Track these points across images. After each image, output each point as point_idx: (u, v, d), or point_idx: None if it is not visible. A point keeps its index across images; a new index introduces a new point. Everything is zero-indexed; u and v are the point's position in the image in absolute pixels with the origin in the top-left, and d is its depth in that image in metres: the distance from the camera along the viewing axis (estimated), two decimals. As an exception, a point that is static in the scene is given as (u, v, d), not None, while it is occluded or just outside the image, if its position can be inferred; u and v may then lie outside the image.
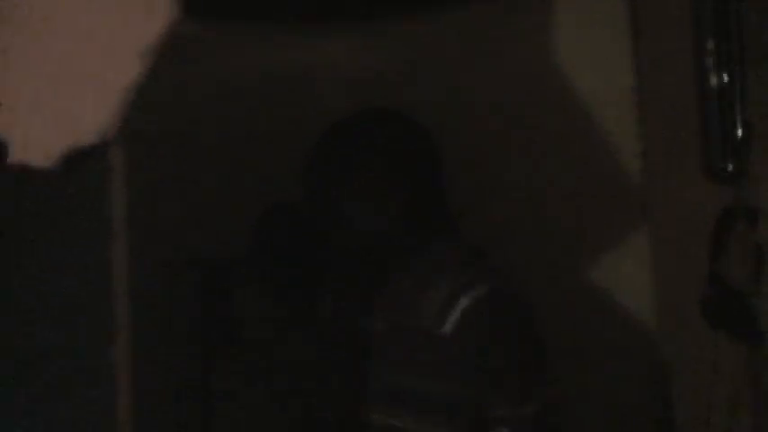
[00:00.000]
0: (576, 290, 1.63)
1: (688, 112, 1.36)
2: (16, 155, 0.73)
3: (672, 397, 1.56)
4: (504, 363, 1.20)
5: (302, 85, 1.54)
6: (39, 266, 0.73)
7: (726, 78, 1.21)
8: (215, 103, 1.37)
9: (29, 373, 0.75)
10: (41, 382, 0.74)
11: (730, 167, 1.21)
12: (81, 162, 0.71)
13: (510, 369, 1.20)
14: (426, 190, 1.36)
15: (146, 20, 0.72)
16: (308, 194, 1.38)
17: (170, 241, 1.34)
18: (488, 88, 1.65)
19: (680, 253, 1.46)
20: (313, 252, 1.36)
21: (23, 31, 0.75)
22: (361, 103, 1.44)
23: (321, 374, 1.37)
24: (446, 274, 1.25)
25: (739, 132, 1.20)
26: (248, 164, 1.42)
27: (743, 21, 1.17)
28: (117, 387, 0.69)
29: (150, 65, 0.68)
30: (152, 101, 0.70)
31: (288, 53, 1.55)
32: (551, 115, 1.64)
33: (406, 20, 1.57)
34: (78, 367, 0.71)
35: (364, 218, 1.33)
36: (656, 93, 1.56)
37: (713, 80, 1.23)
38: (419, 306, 1.23)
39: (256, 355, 1.43)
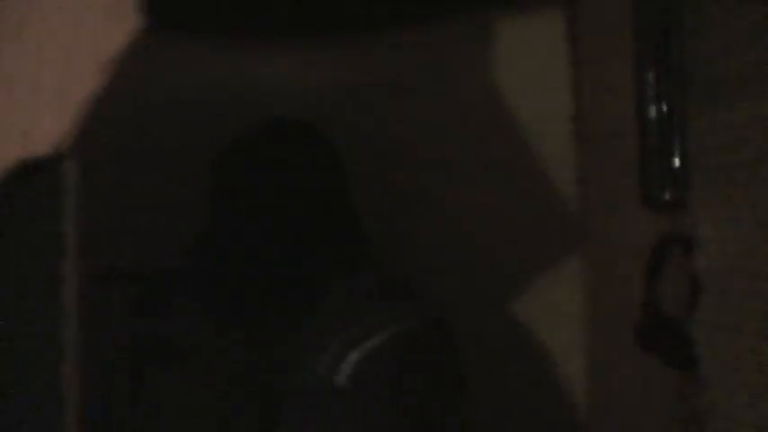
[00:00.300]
0: (507, 316, 1.65)
1: (628, 143, 1.39)
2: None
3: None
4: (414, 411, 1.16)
5: (256, 98, 1.53)
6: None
7: (666, 110, 1.24)
8: (170, 113, 1.34)
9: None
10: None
11: (668, 197, 1.23)
12: (31, 175, 0.67)
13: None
14: (336, 211, 1.33)
15: (105, 28, 0.69)
16: (211, 215, 1.34)
17: (123, 256, 1.31)
18: (429, 113, 1.66)
19: (614, 280, 1.48)
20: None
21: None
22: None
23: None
24: (344, 320, 1.20)
25: (677, 162, 1.22)
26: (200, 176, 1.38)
27: (685, 54, 1.20)
28: (65, 404, 0.65)
29: (109, 76, 0.65)
30: (109, 113, 0.68)
31: (242, 66, 1.53)
32: (491, 143, 1.67)
33: (360, 38, 1.57)
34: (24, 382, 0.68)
35: (264, 241, 1.29)
36: (595, 122, 1.60)
37: (653, 112, 1.25)
38: (315, 359, 1.18)
39: (183, 372, 1.38)
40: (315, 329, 1.18)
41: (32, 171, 0.66)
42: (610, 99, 1.51)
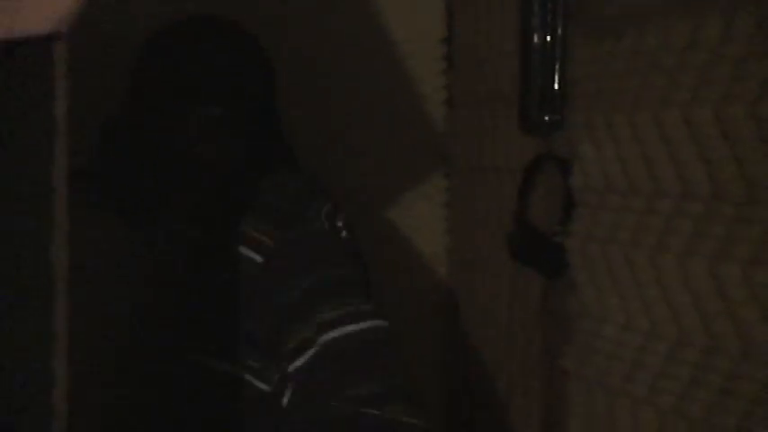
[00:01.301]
0: (375, 230, 1.72)
1: (504, 67, 1.48)
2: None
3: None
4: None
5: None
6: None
7: (549, 38, 1.33)
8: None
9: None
10: None
11: (546, 119, 1.34)
12: (22, 52, 0.65)
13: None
14: (263, 108, 1.35)
15: None
16: (130, 106, 1.32)
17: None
18: (308, 34, 1.67)
19: (484, 197, 1.59)
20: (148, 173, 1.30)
21: None
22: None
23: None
24: (309, 190, 1.27)
25: (556, 87, 1.33)
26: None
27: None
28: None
29: None
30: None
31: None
32: (365, 61, 1.71)
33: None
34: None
35: (191, 140, 1.30)
36: (467, 47, 1.68)
37: (537, 39, 1.35)
38: (304, 216, 1.24)
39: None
40: (246, 224, 1.20)
41: (22, 48, 0.65)
42: (484, 24, 1.60)
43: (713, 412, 1.00)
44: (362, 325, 1.15)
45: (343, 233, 1.27)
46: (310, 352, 1.12)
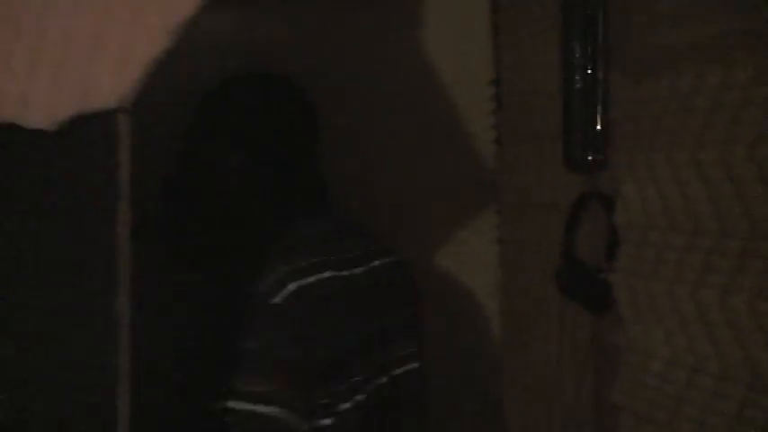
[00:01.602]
0: (427, 266, 1.77)
1: (549, 107, 1.52)
2: (11, 114, 0.73)
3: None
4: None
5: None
6: (39, 220, 0.75)
7: (590, 79, 1.37)
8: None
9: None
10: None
11: (589, 158, 1.37)
12: (86, 126, 0.72)
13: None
14: (303, 157, 1.42)
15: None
16: (186, 155, 1.41)
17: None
18: (360, 75, 1.73)
19: (532, 234, 1.62)
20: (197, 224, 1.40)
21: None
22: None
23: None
24: (286, 257, 1.29)
25: (599, 127, 1.36)
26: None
27: (610, 29, 1.34)
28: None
29: (174, 39, 0.70)
30: (164, 70, 0.73)
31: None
32: (415, 104, 1.76)
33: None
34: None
35: (234, 174, 1.38)
36: (513, 88, 1.73)
37: (578, 81, 1.39)
38: (255, 285, 1.27)
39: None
40: (269, 260, 1.27)
41: (86, 121, 0.72)
42: (530, 66, 1.64)
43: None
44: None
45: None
46: None
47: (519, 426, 1.66)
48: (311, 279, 1.27)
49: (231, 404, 1.18)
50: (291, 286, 1.25)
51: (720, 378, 1.08)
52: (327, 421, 1.23)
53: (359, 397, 1.29)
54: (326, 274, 1.30)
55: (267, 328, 1.23)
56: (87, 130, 0.72)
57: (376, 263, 1.39)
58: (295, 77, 1.44)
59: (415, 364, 1.41)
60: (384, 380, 1.35)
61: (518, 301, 1.70)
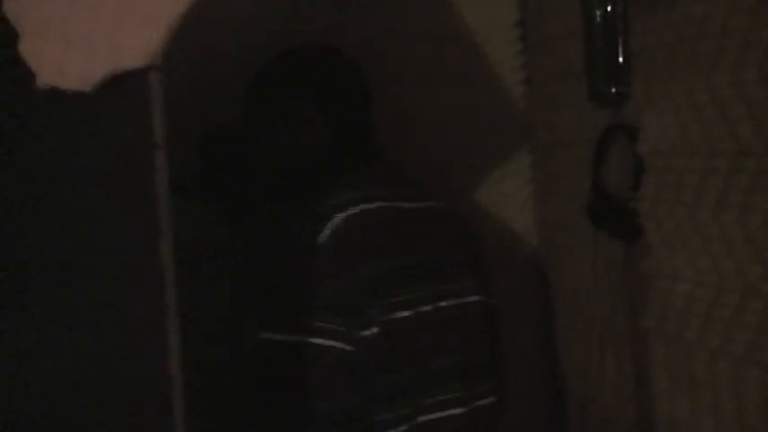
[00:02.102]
0: (465, 208, 1.81)
1: (571, 46, 1.55)
2: (50, 80, 0.80)
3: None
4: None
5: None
6: (82, 176, 0.82)
7: (609, 14, 1.40)
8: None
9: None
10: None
11: (613, 91, 1.41)
12: (119, 85, 0.79)
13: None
14: (355, 121, 1.50)
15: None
16: (246, 118, 1.50)
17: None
18: (388, 26, 1.77)
19: (563, 168, 1.66)
20: (248, 177, 1.48)
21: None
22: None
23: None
24: (328, 193, 1.37)
25: (621, 60, 1.39)
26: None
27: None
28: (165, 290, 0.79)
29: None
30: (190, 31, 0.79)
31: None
32: (444, 48, 1.80)
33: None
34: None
35: (294, 141, 1.47)
36: (538, 28, 1.75)
37: (598, 16, 1.41)
38: (297, 223, 1.36)
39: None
40: (315, 200, 1.36)
41: (120, 82, 0.79)
42: (552, 6, 1.67)
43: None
44: None
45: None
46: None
47: (559, 352, 1.72)
48: (356, 209, 1.35)
49: (280, 337, 1.27)
50: (336, 219, 1.33)
51: (743, 294, 1.12)
52: (374, 330, 1.31)
53: (403, 313, 1.34)
54: (375, 205, 1.37)
55: (315, 268, 1.32)
56: (121, 88, 0.78)
57: (432, 203, 1.46)
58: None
59: (474, 298, 1.44)
60: (430, 307, 1.39)
61: (554, 235, 1.74)
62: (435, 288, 1.39)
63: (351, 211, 1.34)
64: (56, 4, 0.79)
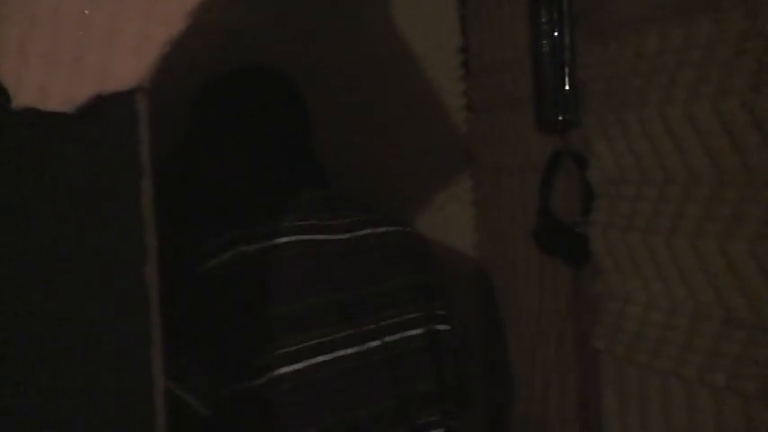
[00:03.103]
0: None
1: (517, 72, 1.58)
2: (31, 100, 0.78)
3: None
4: None
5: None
6: (65, 200, 0.79)
7: (557, 44, 1.44)
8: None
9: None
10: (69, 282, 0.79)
11: (560, 118, 1.44)
12: (105, 107, 0.77)
13: None
14: (298, 141, 1.48)
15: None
16: (189, 145, 1.46)
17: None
18: (333, 48, 1.77)
19: (505, 193, 1.69)
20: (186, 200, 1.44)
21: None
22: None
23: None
24: (242, 225, 1.29)
25: (567, 88, 1.43)
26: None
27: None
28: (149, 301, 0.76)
29: (190, 21, 0.74)
30: (182, 53, 0.77)
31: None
32: (387, 76, 1.81)
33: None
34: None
35: (234, 164, 1.43)
36: (481, 55, 1.79)
37: (545, 45, 1.45)
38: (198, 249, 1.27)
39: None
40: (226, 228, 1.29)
41: (105, 103, 0.77)
42: (497, 34, 1.70)
43: (734, 380, 1.10)
44: None
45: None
46: None
47: (506, 377, 1.74)
48: (260, 244, 1.26)
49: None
50: (229, 253, 1.23)
51: (695, 317, 1.16)
52: (259, 381, 1.19)
53: (321, 358, 1.24)
54: (285, 239, 1.28)
55: (193, 297, 1.21)
56: (107, 110, 0.76)
57: (366, 231, 1.41)
58: (275, 63, 1.50)
59: (419, 330, 1.38)
60: (373, 344, 1.35)
61: (497, 260, 1.77)
62: (373, 325, 1.32)
63: (250, 247, 1.24)
64: (39, 23, 0.76)
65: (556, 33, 1.44)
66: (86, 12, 0.76)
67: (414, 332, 1.37)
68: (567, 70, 1.43)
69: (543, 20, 1.45)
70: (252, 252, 1.24)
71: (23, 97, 0.76)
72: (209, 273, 1.21)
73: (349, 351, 1.27)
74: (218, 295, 1.22)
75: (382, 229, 1.42)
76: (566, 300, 1.49)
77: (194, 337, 1.18)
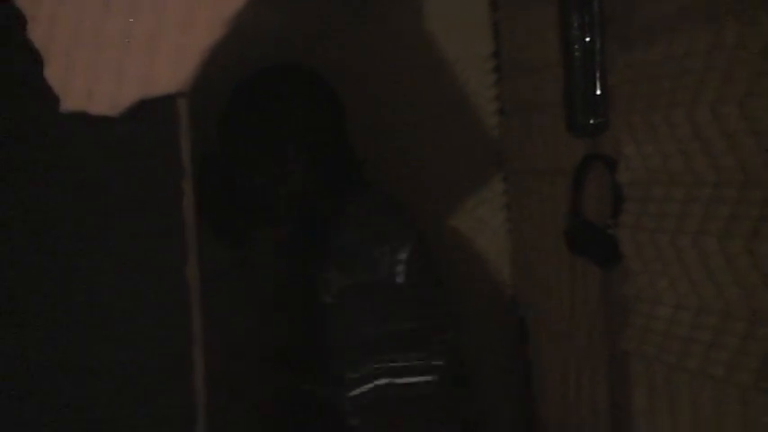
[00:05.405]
0: (440, 236, 1.85)
1: (548, 76, 1.60)
2: (78, 103, 0.81)
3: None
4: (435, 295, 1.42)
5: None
6: (111, 203, 0.83)
7: (588, 48, 1.45)
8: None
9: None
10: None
11: (591, 121, 1.46)
12: (147, 111, 0.81)
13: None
14: (335, 142, 1.52)
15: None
16: (226, 148, 1.50)
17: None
18: (367, 53, 1.81)
19: (536, 195, 1.71)
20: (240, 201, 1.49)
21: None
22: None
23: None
24: (386, 229, 1.45)
25: (598, 92, 1.45)
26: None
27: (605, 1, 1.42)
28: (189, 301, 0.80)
29: (227, 29, 0.78)
30: (221, 61, 0.81)
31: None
32: (420, 81, 1.84)
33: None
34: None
35: (277, 170, 1.47)
36: (513, 60, 1.81)
37: (577, 50, 1.47)
38: (372, 262, 1.41)
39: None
40: (350, 239, 1.39)
41: (148, 107, 0.80)
42: (528, 39, 1.72)
43: (762, 380, 1.11)
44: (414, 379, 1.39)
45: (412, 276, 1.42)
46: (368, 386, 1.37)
47: (536, 377, 1.76)
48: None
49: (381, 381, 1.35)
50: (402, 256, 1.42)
51: (723, 316, 1.17)
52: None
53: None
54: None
55: (406, 306, 1.42)
56: (149, 114, 0.80)
57: None
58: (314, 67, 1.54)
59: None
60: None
61: (529, 262, 1.79)
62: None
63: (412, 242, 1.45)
64: (83, 34, 0.81)
65: (587, 38, 1.46)
66: (131, 20, 0.80)
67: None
68: (597, 74, 1.45)
69: (575, 25, 1.47)
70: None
71: (71, 100, 0.81)
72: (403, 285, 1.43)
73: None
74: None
75: None
76: (596, 301, 1.50)
77: None
